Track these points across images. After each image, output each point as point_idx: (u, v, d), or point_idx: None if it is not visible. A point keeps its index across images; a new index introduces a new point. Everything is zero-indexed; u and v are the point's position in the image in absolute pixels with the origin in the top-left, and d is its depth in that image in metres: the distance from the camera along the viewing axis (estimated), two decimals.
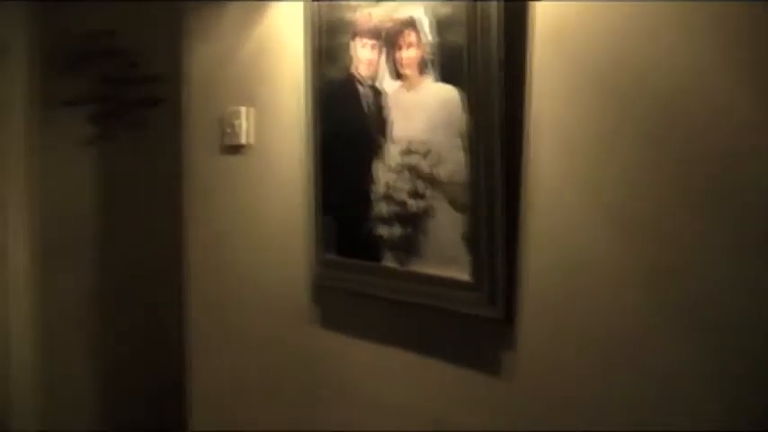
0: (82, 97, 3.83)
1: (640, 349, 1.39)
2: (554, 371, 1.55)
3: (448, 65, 1.69)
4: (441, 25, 1.70)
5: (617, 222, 1.42)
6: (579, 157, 1.49)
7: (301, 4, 2.10)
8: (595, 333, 1.48)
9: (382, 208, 1.89)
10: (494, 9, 1.57)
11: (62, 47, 3.77)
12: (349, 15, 1.94)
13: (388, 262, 1.89)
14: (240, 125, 2.40)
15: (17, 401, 4.21)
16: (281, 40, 2.22)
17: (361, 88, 1.92)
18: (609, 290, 1.44)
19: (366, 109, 1.91)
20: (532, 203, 1.58)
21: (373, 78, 1.88)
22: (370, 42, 1.88)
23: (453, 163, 1.69)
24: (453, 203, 1.71)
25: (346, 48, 1.95)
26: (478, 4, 1.59)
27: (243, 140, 2.40)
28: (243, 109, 2.39)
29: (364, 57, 1.90)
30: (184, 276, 2.73)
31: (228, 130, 2.44)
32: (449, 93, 1.69)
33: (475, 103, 1.63)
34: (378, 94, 1.87)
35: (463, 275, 1.69)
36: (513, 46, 1.57)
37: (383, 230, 1.89)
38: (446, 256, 1.74)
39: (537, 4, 1.55)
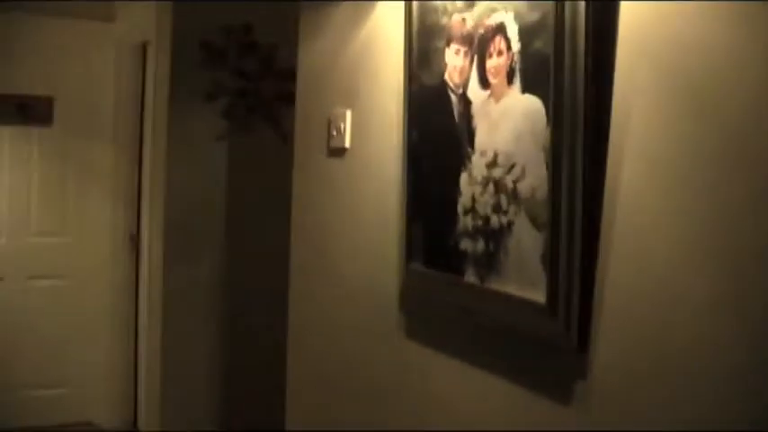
0: (218, 92, 3.93)
1: (722, 383, 1.25)
2: (628, 404, 1.44)
3: (533, 74, 1.60)
4: (528, 32, 1.61)
5: (699, 246, 1.29)
6: (662, 177, 1.37)
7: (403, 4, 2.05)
8: (673, 366, 1.35)
9: (467, 221, 1.82)
10: (581, 14, 1.47)
11: (200, 42, 3.88)
12: (444, 20, 1.88)
13: (470, 277, 1.82)
14: (344, 128, 2.38)
15: (142, 393, 4.39)
16: (385, 41, 2.18)
17: (452, 96, 1.86)
18: (690, 321, 1.31)
19: (456, 118, 1.84)
20: (611, 226, 1.47)
21: (464, 86, 1.81)
22: (462, 49, 1.81)
23: (536, 178, 1.60)
24: (534, 221, 1.62)
25: (441, 53, 1.89)
26: (567, 3, 1.49)
27: (346, 144, 2.37)
28: (348, 112, 2.37)
29: (456, 64, 1.84)
30: (290, 276, 2.75)
31: (334, 133, 2.43)
32: (533, 104, 1.60)
33: (559, 116, 1.53)
34: (467, 103, 1.80)
35: (539, 298, 1.60)
36: (600, 54, 1.47)
37: (467, 244, 1.82)
38: (524, 277, 1.65)
39: (625, 5, 1.44)
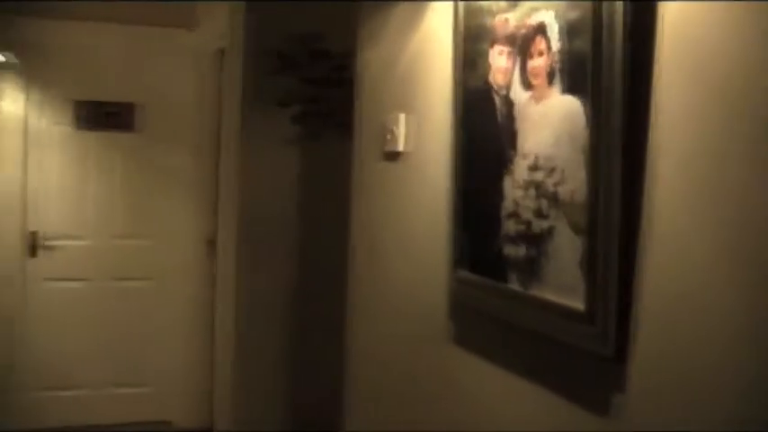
0: (289, 98, 3.97)
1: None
2: (667, 420, 1.37)
3: (573, 75, 1.55)
4: (568, 31, 1.56)
5: (737, 252, 1.23)
6: (700, 180, 1.30)
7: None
8: (714, 381, 1.28)
9: (510, 226, 1.78)
10: (619, 13, 1.41)
11: (272, 49, 3.92)
12: (489, 21, 1.84)
13: (513, 284, 1.77)
14: (398, 132, 2.36)
15: (217, 397, 4.45)
16: (436, 44, 2.16)
17: (496, 98, 1.82)
18: (728, 330, 1.24)
19: (500, 120, 1.80)
20: (649, 231, 1.41)
21: (507, 88, 1.77)
22: (506, 50, 1.77)
23: (576, 181, 1.55)
24: (573, 226, 1.57)
25: (486, 55, 1.86)
26: (605, 3, 1.44)
27: (400, 147, 2.36)
28: (401, 116, 2.35)
29: (500, 65, 1.80)
30: (348, 282, 2.75)
31: (389, 137, 2.41)
32: (572, 105, 1.55)
33: (597, 117, 1.48)
34: (510, 104, 1.76)
35: (578, 305, 1.55)
36: (638, 54, 1.41)
37: (510, 250, 1.78)
38: (563, 283, 1.60)
39: (663, 5, 1.37)
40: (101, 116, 4.85)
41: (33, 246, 4.77)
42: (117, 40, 4.81)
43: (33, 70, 4.71)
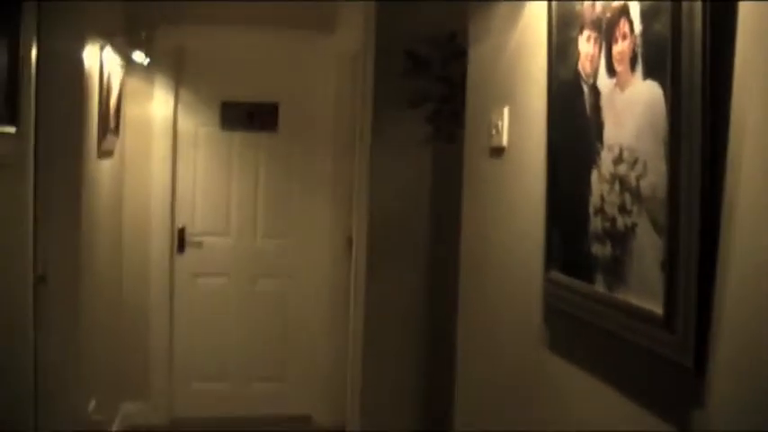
0: (421, 98, 3.94)
1: None
2: None
3: (653, 60, 1.43)
4: (648, 12, 1.44)
5: None
6: None
7: None
8: None
9: (597, 223, 1.67)
10: None
11: (404, 51, 3.90)
12: (578, 7, 1.74)
13: (599, 286, 1.66)
14: (502, 127, 2.28)
15: (349, 395, 4.48)
16: (536, 36, 2.06)
17: (584, 87, 1.71)
18: None
19: (588, 111, 1.70)
20: (730, 233, 1.27)
21: (594, 76, 1.66)
22: (593, 35, 1.67)
23: (656, 175, 1.43)
24: (654, 223, 1.45)
25: (575, 43, 1.75)
26: None
27: (504, 143, 2.28)
28: (505, 110, 2.27)
29: (588, 51, 1.69)
30: (460, 282, 2.69)
31: (493, 132, 2.34)
32: (653, 92, 1.43)
33: (676, 105, 1.35)
34: (597, 93, 1.65)
35: (658, 310, 1.42)
36: (719, 37, 1.28)
37: (597, 249, 1.67)
38: (645, 285, 1.48)
39: None
40: (245, 117, 5.00)
41: (181, 242, 4.97)
42: (261, 43, 4.95)
43: (182, 73, 4.91)
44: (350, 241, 4.83)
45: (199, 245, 5.02)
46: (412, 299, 4.01)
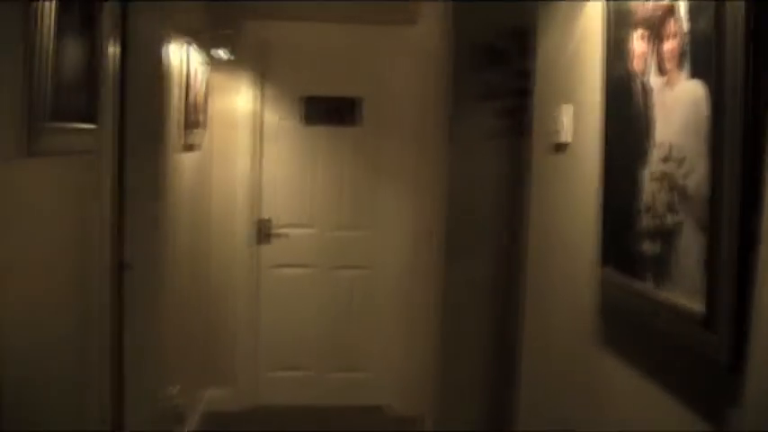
0: (498, 92, 3.94)
1: None
2: None
3: (699, 59, 1.43)
4: (694, 11, 1.44)
5: None
6: None
7: None
8: None
9: (648, 221, 1.67)
10: None
11: (482, 44, 3.91)
12: (632, 5, 1.74)
13: (648, 282, 1.66)
14: (564, 123, 2.28)
15: (424, 386, 4.52)
16: (594, 34, 2.06)
17: (637, 85, 1.71)
18: None
19: (640, 108, 1.70)
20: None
21: (645, 74, 1.66)
22: (645, 33, 1.66)
23: (700, 173, 1.43)
24: (698, 222, 1.44)
25: (628, 41, 1.75)
26: None
27: (565, 139, 2.28)
28: (566, 107, 2.28)
29: (640, 50, 1.69)
30: (527, 277, 2.70)
31: (556, 129, 2.34)
32: (698, 90, 1.43)
33: (719, 102, 1.35)
34: (648, 91, 1.65)
35: (699, 309, 1.42)
36: (762, 35, 1.27)
37: (647, 246, 1.67)
38: (688, 283, 1.48)
39: None
40: (327, 111, 5.08)
41: (265, 233, 5.10)
42: (343, 39, 5.02)
43: (266, 69, 5.03)
44: (430, 233, 4.87)
45: (282, 236, 5.14)
46: (488, 290, 4.02)
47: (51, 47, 1.85)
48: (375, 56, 5.08)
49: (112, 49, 2.54)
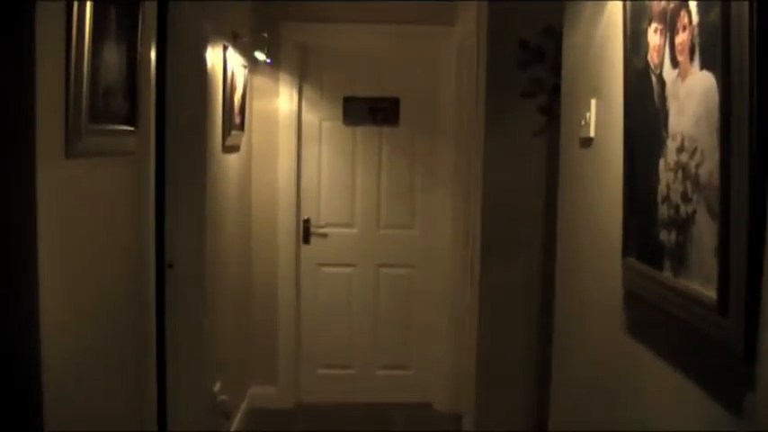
0: (536, 89, 3.97)
1: None
2: None
3: (709, 50, 1.46)
4: (704, 3, 1.47)
5: None
6: None
7: None
8: None
9: (665, 211, 1.70)
10: None
11: (518, 41, 3.94)
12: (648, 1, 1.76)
13: (667, 272, 1.69)
14: (590, 118, 2.31)
15: (465, 384, 4.55)
16: (617, 31, 2.09)
17: (653, 78, 1.74)
18: None
19: (656, 101, 1.72)
20: None
21: (660, 66, 1.69)
22: (659, 27, 1.69)
23: (712, 163, 1.46)
24: (710, 210, 1.47)
25: (645, 34, 1.78)
26: None
27: (592, 133, 2.31)
28: (593, 101, 2.30)
29: (655, 43, 1.72)
30: (556, 272, 2.73)
31: (583, 123, 2.37)
32: (708, 81, 1.45)
33: (727, 92, 1.38)
34: (663, 84, 1.68)
35: (712, 294, 1.45)
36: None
37: (664, 236, 1.70)
38: (702, 271, 1.51)
39: None
40: (367, 112, 5.15)
41: (307, 232, 5.18)
42: (382, 39, 5.08)
43: (306, 70, 5.11)
44: (467, 233, 4.90)
45: (324, 236, 5.21)
46: (526, 289, 4.04)
47: (88, 48, 1.93)
48: (414, 56, 5.13)
49: (152, 51, 2.62)
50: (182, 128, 3.46)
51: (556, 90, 3.94)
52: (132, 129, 2.38)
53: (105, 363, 2.29)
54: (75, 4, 1.87)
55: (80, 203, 2.04)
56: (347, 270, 5.27)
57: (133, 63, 2.35)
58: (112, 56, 2.17)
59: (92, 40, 1.97)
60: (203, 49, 3.50)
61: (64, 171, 1.91)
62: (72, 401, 2.01)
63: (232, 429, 4.41)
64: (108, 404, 2.34)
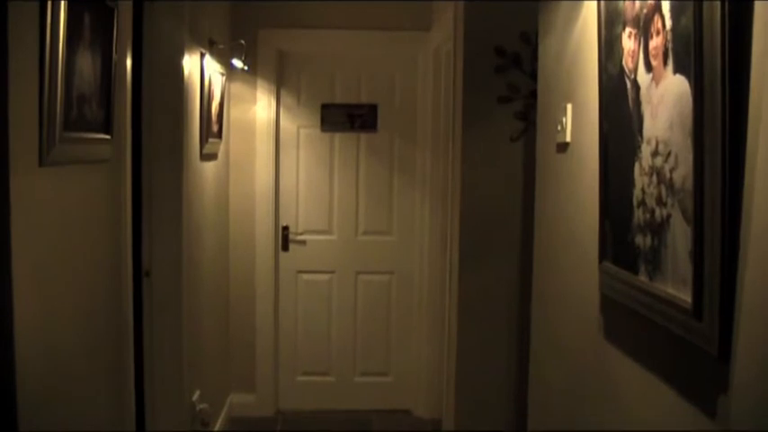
0: (512, 95, 3.98)
1: None
2: None
3: (682, 55, 1.47)
4: (677, 8, 1.48)
5: None
6: None
7: None
8: None
9: (640, 215, 1.71)
10: None
11: (494, 48, 3.95)
12: (621, 4, 1.77)
13: (642, 275, 1.70)
14: (566, 123, 2.32)
15: (445, 390, 4.55)
16: (592, 35, 2.10)
17: (628, 83, 1.75)
18: None
19: (631, 106, 1.73)
20: (749, 221, 1.30)
21: (635, 71, 1.70)
22: (633, 32, 1.70)
23: (686, 167, 1.46)
24: (685, 214, 1.48)
25: (619, 39, 1.79)
26: None
27: (567, 138, 2.32)
28: (568, 106, 2.31)
29: (629, 48, 1.73)
30: (534, 273, 2.73)
31: (558, 128, 2.38)
32: (681, 86, 1.46)
33: (700, 98, 1.39)
34: (637, 88, 1.69)
35: (687, 297, 1.46)
36: (738, 31, 1.30)
37: (639, 240, 1.71)
38: (677, 275, 1.52)
39: None
40: (345, 118, 5.14)
41: (285, 240, 5.17)
42: (359, 45, 5.08)
43: (283, 77, 5.10)
44: (444, 239, 4.90)
45: (302, 243, 5.20)
46: (506, 293, 4.05)
47: (63, 54, 1.91)
48: (391, 62, 5.14)
49: (128, 59, 2.61)
50: (158, 136, 3.44)
51: (533, 95, 3.95)
52: (107, 137, 2.36)
53: (81, 372, 2.26)
54: (49, 10, 1.86)
55: (54, 212, 2.02)
56: (326, 277, 5.26)
57: (108, 70, 2.34)
58: (87, 63, 2.16)
59: (66, 46, 1.95)
60: (180, 56, 3.48)
61: (38, 179, 1.89)
62: (47, 411, 1.99)
63: None
64: (85, 414, 2.32)
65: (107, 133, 2.36)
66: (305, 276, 5.25)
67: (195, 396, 3.88)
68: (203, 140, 3.99)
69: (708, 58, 1.35)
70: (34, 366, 1.87)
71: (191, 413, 3.79)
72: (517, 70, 3.99)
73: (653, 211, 1.63)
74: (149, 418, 3.49)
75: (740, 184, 1.31)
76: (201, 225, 4.11)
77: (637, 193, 1.71)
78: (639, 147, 1.69)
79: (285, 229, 5.17)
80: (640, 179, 1.69)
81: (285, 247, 5.18)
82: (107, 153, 2.40)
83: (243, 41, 4.50)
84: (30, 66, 1.83)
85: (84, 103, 2.16)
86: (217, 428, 4.56)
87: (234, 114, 4.95)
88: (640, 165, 1.68)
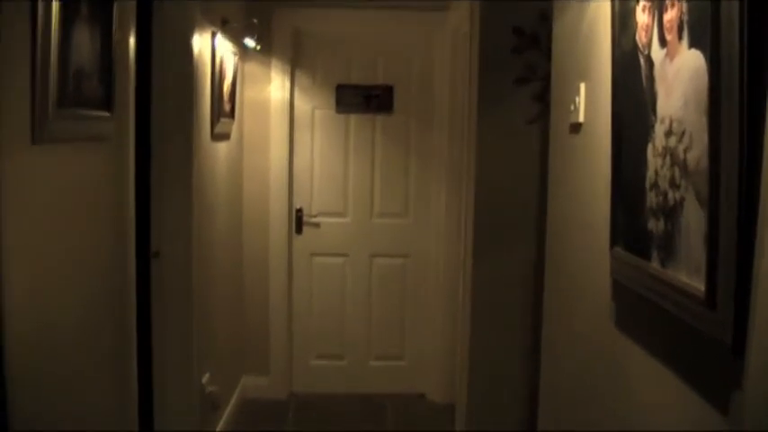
0: (530, 76, 3.89)
1: None
2: None
3: (697, 26, 1.38)
4: None
5: None
6: None
7: None
8: None
9: (652, 198, 1.62)
10: None
11: (512, 28, 3.86)
12: None
13: (654, 262, 1.62)
14: (579, 103, 2.24)
15: (458, 375, 4.49)
16: (606, 12, 2.01)
17: (641, 59, 1.66)
18: None
19: (644, 83, 1.65)
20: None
21: (648, 46, 1.62)
22: (647, 5, 1.62)
23: (700, 147, 1.38)
24: (699, 197, 1.40)
25: (633, 13, 1.70)
26: None
27: (581, 118, 2.23)
28: (582, 86, 2.23)
29: (643, 21, 1.64)
30: (546, 256, 2.66)
31: (572, 108, 2.30)
32: (697, 60, 1.38)
33: (716, 74, 1.30)
34: (651, 64, 1.60)
35: (699, 285, 1.38)
36: (757, 2, 1.22)
37: (652, 224, 1.63)
38: (691, 261, 1.44)
39: None
40: (360, 99, 5.06)
41: (299, 222, 5.11)
42: (375, 24, 4.99)
43: (298, 57, 5.02)
44: (464, 220, 4.83)
45: (316, 225, 5.14)
46: (521, 278, 3.97)
47: (56, 28, 1.85)
48: (408, 43, 5.05)
49: (130, 36, 2.55)
50: (168, 114, 3.39)
51: (550, 77, 3.86)
52: (108, 114, 2.30)
53: (81, 357, 2.22)
54: None
55: (49, 191, 1.97)
56: (340, 260, 5.20)
57: (109, 46, 2.28)
58: (85, 38, 2.10)
59: (61, 19, 1.89)
60: (190, 35, 3.42)
61: (30, 157, 1.84)
62: (49, 393, 1.95)
63: (223, 420, 4.35)
64: (90, 397, 2.27)
65: (108, 110, 2.30)
66: (319, 259, 5.19)
67: (205, 378, 3.84)
68: (215, 120, 3.93)
69: (725, 30, 1.27)
70: (28, 353, 1.82)
71: (200, 395, 3.75)
72: (535, 50, 3.89)
73: (665, 194, 1.54)
74: (158, 400, 3.46)
75: (758, 166, 1.23)
76: (213, 206, 4.06)
77: (650, 174, 1.63)
78: (653, 126, 1.60)
79: (299, 211, 5.11)
80: (654, 160, 1.60)
81: (299, 230, 5.12)
82: (107, 131, 2.34)
83: (256, 20, 4.43)
84: (21, 39, 1.77)
85: (83, 78, 2.10)
86: (229, 410, 4.53)
87: (248, 95, 4.89)
88: (653, 145, 1.60)
